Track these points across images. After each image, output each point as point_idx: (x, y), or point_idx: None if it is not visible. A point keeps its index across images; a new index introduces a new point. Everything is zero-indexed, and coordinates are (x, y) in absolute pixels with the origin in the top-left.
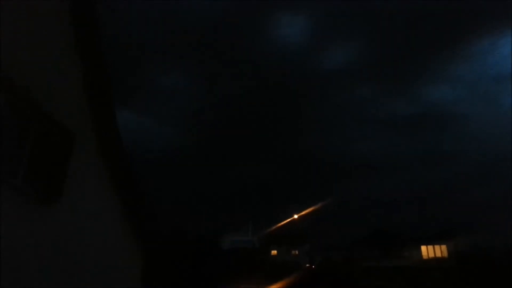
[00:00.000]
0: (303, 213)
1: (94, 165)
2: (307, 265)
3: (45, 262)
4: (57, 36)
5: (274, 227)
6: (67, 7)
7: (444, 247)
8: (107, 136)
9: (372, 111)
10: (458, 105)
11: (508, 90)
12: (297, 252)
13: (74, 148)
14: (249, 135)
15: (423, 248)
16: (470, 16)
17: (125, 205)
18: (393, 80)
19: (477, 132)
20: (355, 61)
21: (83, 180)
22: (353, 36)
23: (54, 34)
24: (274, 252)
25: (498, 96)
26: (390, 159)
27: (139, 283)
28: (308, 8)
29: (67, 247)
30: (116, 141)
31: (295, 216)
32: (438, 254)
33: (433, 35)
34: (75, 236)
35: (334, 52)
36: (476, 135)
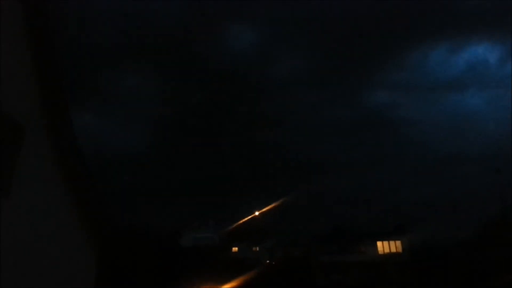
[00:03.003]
0: (264, 210)
1: (46, 160)
2: (267, 261)
3: None
4: (8, 29)
5: (235, 224)
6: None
7: (398, 242)
8: (59, 131)
9: (328, 116)
10: (407, 110)
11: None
12: (258, 249)
13: (23, 142)
14: (209, 134)
15: (379, 243)
16: (406, 28)
17: (79, 202)
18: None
19: (425, 134)
20: (305, 69)
21: (34, 175)
22: (300, 46)
23: (4, 26)
24: (235, 249)
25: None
26: (348, 160)
27: (93, 282)
28: (260, 22)
29: (15, 245)
30: (69, 136)
31: (256, 213)
32: (393, 250)
33: (373, 46)
34: (25, 234)
35: (284, 61)
36: (425, 137)
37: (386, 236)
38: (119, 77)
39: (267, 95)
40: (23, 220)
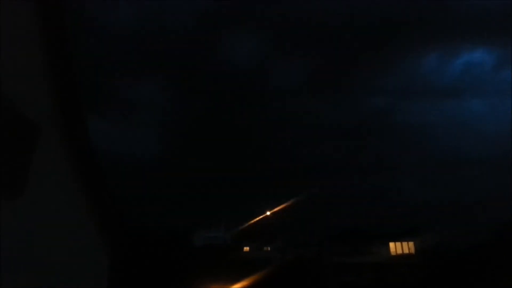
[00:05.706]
0: (275, 209)
1: (60, 159)
2: (279, 261)
3: (5, 259)
4: (23, 28)
5: (246, 224)
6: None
7: (411, 244)
8: (74, 131)
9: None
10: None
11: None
12: (269, 249)
13: (38, 141)
14: (220, 135)
15: (392, 244)
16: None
17: (91, 203)
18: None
19: (438, 136)
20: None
21: (47, 174)
22: (300, 52)
23: (20, 25)
24: (246, 248)
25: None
26: (361, 161)
27: (105, 281)
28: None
29: (28, 244)
30: (84, 136)
31: (268, 213)
32: (406, 251)
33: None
34: (37, 233)
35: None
36: (439, 138)
37: (399, 237)
38: (129, 81)
39: (277, 97)
40: (36, 219)
